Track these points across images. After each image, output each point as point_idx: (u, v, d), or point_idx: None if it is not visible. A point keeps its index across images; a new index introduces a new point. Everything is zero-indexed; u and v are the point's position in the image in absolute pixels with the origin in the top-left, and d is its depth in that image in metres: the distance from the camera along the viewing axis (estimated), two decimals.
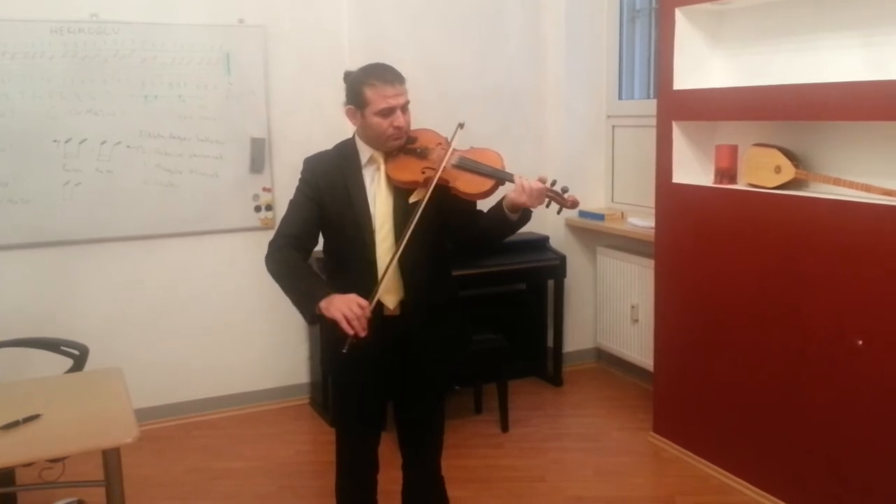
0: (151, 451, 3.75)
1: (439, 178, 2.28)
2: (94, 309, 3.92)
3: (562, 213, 2.38)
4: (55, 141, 3.75)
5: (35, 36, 3.65)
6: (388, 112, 2.28)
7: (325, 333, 2.55)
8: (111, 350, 3.65)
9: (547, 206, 2.30)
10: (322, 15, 4.17)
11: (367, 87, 2.28)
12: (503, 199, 2.29)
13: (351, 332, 2.13)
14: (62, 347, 3.10)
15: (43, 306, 3.82)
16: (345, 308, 2.13)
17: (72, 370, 2.99)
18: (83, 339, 3.15)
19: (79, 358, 3.04)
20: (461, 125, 2.35)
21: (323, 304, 2.17)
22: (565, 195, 2.28)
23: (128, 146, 3.88)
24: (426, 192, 2.27)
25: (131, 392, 2.46)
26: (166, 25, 3.86)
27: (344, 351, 2.18)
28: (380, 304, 2.34)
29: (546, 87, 4.70)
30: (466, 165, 2.31)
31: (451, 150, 2.31)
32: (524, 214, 2.31)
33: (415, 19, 4.30)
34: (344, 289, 2.35)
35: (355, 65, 2.42)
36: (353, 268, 2.34)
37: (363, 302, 2.16)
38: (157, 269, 4.04)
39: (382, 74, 2.30)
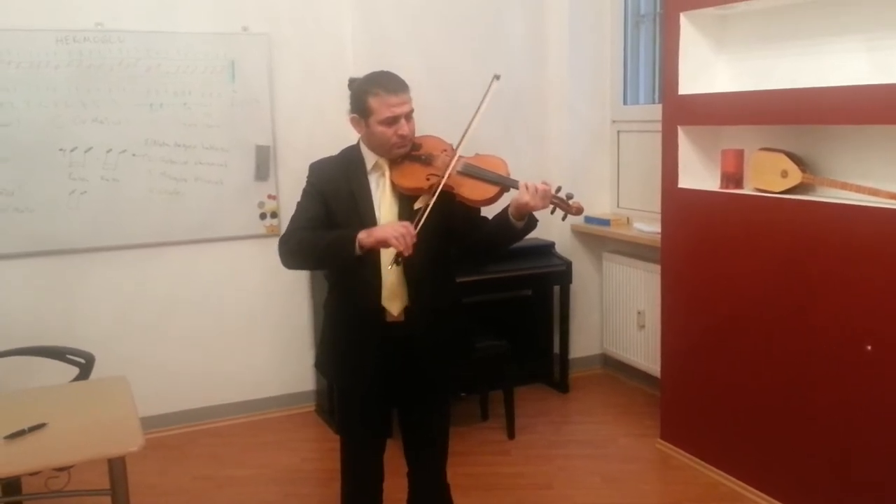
0: (157, 459, 3.74)
1: (445, 185, 2.27)
2: (100, 317, 3.93)
3: (567, 220, 2.37)
4: (61, 150, 3.76)
5: (40, 45, 3.67)
6: (392, 121, 2.28)
7: (329, 339, 2.54)
8: (117, 358, 3.65)
9: (552, 212, 2.30)
10: (325, 22, 4.18)
11: (371, 96, 2.28)
12: (508, 205, 2.29)
13: (400, 247, 2.13)
14: (68, 356, 3.11)
15: (49, 315, 3.83)
16: (390, 229, 2.16)
17: (77, 379, 2.99)
18: (89, 347, 3.15)
19: (84, 366, 3.04)
20: (497, 77, 2.35)
21: (362, 234, 2.18)
22: (570, 202, 2.28)
23: (133, 154, 3.89)
24: (431, 198, 2.27)
25: (137, 400, 2.46)
26: (171, 34, 3.87)
27: (390, 266, 2.21)
28: (383, 311, 2.34)
29: (550, 92, 4.70)
30: (471, 172, 2.31)
31: (456, 156, 2.31)
32: (530, 222, 2.30)
33: (418, 24, 4.30)
34: (349, 294, 2.36)
35: (359, 71, 2.43)
36: (358, 273, 2.33)
37: (407, 223, 2.19)
38: (163, 277, 4.05)
39: (386, 83, 2.30)
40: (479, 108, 2.32)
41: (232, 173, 4.08)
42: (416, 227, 2.22)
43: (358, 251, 2.18)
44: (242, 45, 4.03)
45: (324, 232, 2.32)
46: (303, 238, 2.31)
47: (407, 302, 2.35)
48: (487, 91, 2.33)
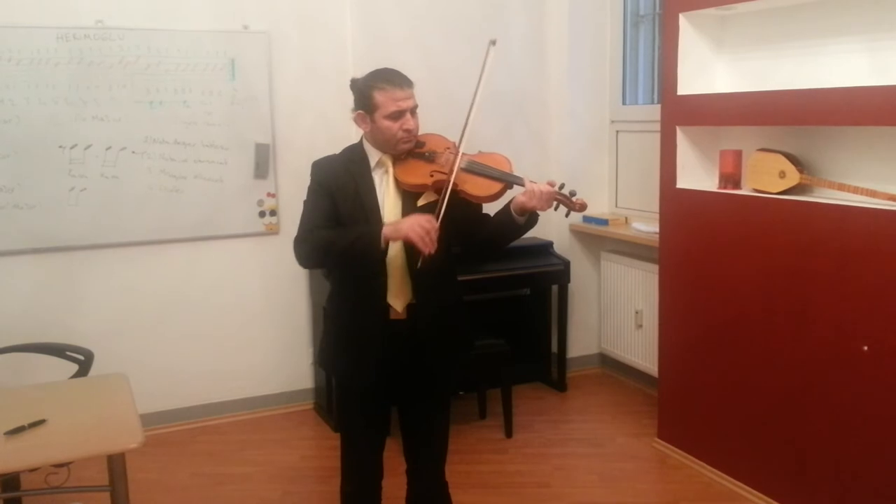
0: (156, 456, 3.75)
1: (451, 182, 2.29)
2: (99, 314, 3.93)
3: (566, 218, 2.38)
4: (61, 147, 3.77)
5: (41, 42, 3.67)
6: (398, 115, 2.30)
7: (331, 336, 2.54)
8: (116, 355, 3.66)
9: (555, 209, 2.32)
10: (325, 21, 4.19)
11: (377, 91, 2.30)
12: (510, 202, 2.30)
13: (425, 249, 2.17)
14: (67, 353, 3.11)
15: (48, 312, 3.83)
16: (416, 227, 2.18)
17: (77, 375, 3.00)
18: (88, 344, 3.15)
19: (84, 363, 3.04)
20: (493, 42, 2.35)
21: (388, 230, 2.21)
22: (573, 198, 2.30)
23: (133, 152, 3.89)
24: (438, 196, 2.28)
25: (136, 397, 2.47)
26: (171, 32, 3.88)
27: (419, 266, 2.24)
28: (387, 308, 2.35)
29: (549, 91, 4.71)
30: (475, 169, 2.32)
31: (460, 152, 2.32)
32: (531, 218, 2.32)
33: (418, 24, 4.31)
34: (354, 291, 2.36)
35: (359, 70, 2.43)
36: (363, 270, 2.34)
37: (430, 217, 2.20)
38: (162, 275, 4.05)
39: (391, 78, 2.31)
40: (480, 78, 2.31)
41: (231, 171, 4.09)
42: (439, 216, 2.24)
43: (384, 246, 2.22)
44: (243, 44, 4.03)
45: (345, 230, 2.32)
46: (325, 235, 2.31)
47: (411, 298, 2.36)
48: (486, 59, 2.33)
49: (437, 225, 2.19)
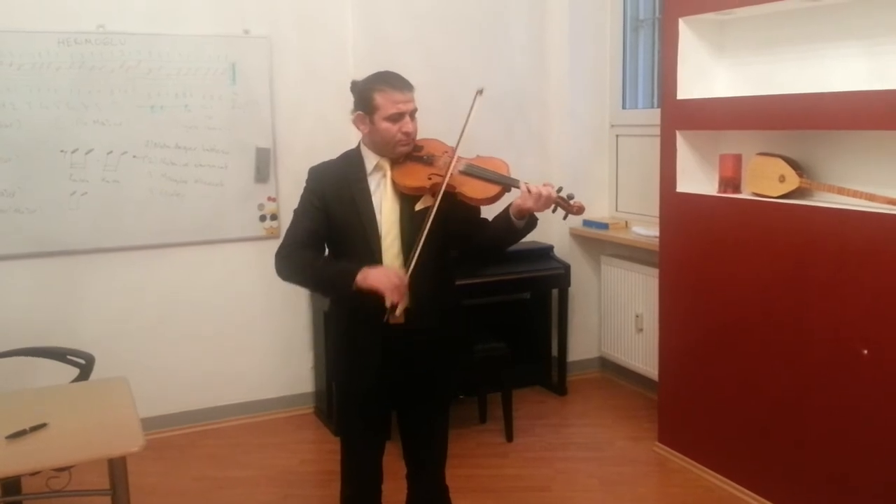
0: (157, 459, 3.75)
1: (447, 185, 2.29)
2: (100, 318, 3.94)
3: (566, 222, 2.39)
4: (62, 151, 3.78)
5: (42, 47, 3.68)
6: (397, 117, 2.31)
7: (332, 340, 2.55)
8: (117, 359, 3.66)
9: (553, 211, 2.32)
10: (326, 25, 4.20)
11: (377, 92, 2.31)
12: (509, 206, 2.31)
13: (394, 300, 2.18)
14: (68, 357, 3.12)
15: (49, 315, 3.84)
16: (383, 278, 2.20)
17: (78, 379, 3.00)
18: (89, 348, 3.16)
19: (85, 367, 3.05)
20: (480, 91, 2.37)
21: (359, 277, 2.22)
22: (571, 201, 2.30)
23: (134, 156, 3.90)
24: (434, 200, 2.29)
25: (137, 401, 2.47)
26: (172, 36, 3.89)
27: (385, 319, 2.24)
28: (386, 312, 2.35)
29: (550, 95, 4.72)
30: (473, 172, 2.33)
31: (456, 156, 2.33)
32: (530, 221, 2.33)
33: (419, 29, 4.32)
34: (353, 296, 2.37)
35: (359, 75, 2.44)
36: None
37: (400, 272, 2.24)
38: (163, 279, 4.06)
39: (392, 81, 2.33)
40: (465, 123, 2.33)
41: (232, 175, 4.10)
42: (425, 229, 2.26)
43: (354, 289, 2.23)
44: (243, 48, 4.04)
45: (324, 261, 2.36)
46: (304, 262, 2.33)
47: (408, 303, 2.37)
48: (472, 106, 2.36)
49: (406, 280, 2.22)
